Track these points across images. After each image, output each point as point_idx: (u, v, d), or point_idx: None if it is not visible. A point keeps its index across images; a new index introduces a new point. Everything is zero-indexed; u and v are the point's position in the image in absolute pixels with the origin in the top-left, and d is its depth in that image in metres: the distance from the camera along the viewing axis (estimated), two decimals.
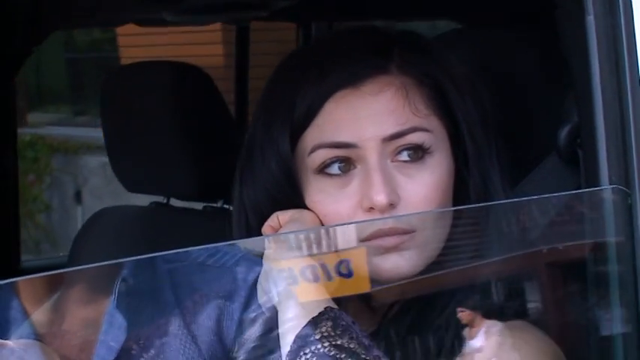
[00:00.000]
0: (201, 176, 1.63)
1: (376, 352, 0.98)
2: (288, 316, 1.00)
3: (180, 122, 1.62)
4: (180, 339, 1.09)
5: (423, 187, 1.13)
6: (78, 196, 5.61)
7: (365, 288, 1.07)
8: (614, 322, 1.12)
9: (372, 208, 1.11)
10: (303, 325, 0.97)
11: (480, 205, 1.17)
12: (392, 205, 1.11)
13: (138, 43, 4.72)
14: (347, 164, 1.13)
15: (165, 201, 1.74)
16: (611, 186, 1.09)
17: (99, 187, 5.28)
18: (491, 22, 1.43)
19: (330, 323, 0.98)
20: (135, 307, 1.10)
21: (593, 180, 1.14)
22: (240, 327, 1.10)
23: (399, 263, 1.11)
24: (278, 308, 1.03)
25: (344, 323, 0.98)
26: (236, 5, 1.70)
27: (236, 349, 1.10)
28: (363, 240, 1.10)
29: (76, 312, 1.08)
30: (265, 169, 1.18)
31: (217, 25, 3.94)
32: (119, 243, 1.71)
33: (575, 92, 1.21)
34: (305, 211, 1.12)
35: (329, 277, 1.02)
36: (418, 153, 1.14)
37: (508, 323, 1.10)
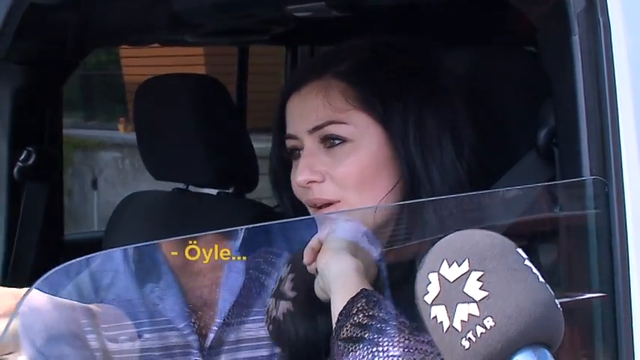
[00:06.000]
0: (215, 167, 1.36)
1: (402, 318, 0.85)
2: (337, 302, 0.86)
3: (199, 123, 1.35)
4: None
5: (343, 166, 0.99)
6: (94, 184, 5.30)
7: None
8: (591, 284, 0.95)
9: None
10: (344, 305, 0.85)
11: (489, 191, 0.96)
12: (314, 182, 0.99)
13: (136, 64, 4.34)
14: (298, 150, 1.02)
15: (185, 187, 1.46)
16: (592, 177, 0.94)
17: (111, 176, 5.03)
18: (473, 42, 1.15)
19: (364, 300, 0.85)
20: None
21: (570, 172, 0.97)
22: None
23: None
24: (331, 299, 0.88)
25: (375, 299, 0.85)
26: (241, 30, 1.45)
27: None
28: (305, 203, 1.01)
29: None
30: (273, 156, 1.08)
31: (200, 50, 3.62)
32: (149, 219, 1.44)
33: (555, 100, 0.99)
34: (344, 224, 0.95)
35: None
36: (338, 140, 0.99)
37: None
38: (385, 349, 0.82)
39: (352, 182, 0.98)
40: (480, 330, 0.55)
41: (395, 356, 0.81)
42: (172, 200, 1.44)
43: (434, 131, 1.00)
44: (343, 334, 0.83)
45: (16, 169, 1.43)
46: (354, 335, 0.83)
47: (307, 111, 1.00)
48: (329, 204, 0.99)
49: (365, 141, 0.99)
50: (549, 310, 0.57)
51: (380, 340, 0.82)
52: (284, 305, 0.93)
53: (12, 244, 1.36)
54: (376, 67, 1.01)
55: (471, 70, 1.09)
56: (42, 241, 1.41)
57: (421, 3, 1.18)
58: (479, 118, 1.06)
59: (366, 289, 0.86)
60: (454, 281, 0.57)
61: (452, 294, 0.57)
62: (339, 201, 0.98)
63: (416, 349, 0.82)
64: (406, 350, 0.82)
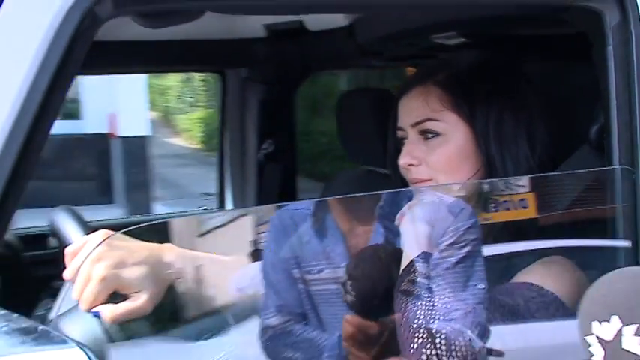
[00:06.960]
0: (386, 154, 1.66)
1: (449, 279, 0.97)
2: (404, 260, 0.99)
3: (376, 123, 1.71)
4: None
5: (436, 155, 1.18)
6: None
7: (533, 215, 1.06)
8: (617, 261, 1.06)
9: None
10: (407, 263, 0.98)
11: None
12: (412, 165, 1.19)
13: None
14: (404, 139, 1.23)
15: (372, 168, 1.86)
16: (620, 166, 1.05)
17: None
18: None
19: (421, 261, 0.98)
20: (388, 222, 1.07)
21: (611, 162, 1.10)
22: None
23: None
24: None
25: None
26: (413, 56, 1.76)
27: None
28: (407, 180, 1.20)
29: (360, 221, 1.07)
30: (390, 144, 1.32)
31: None
32: (348, 190, 1.76)
33: (602, 101, 1.14)
34: (428, 197, 1.09)
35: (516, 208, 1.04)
36: (433, 133, 1.19)
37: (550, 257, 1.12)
38: (428, 303, 0.95)
39: (441, 168, 1.17)
40: None
41: (435, 310, 0.94)
42: (363, 177, 1.86)
43: (511, 131, 1.17)
44: (402, 287, 0.96)
45: (260, 155, 2.01)
46: (408, 289, 0.95)
47: (411, 109, 1.21)
48: (423, 181, 1.19)
49: (454, 136, 1.17)
50: None
51: (426, 295, 0.94)
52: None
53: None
54: (467, 77, 1.20)
55: (544, 80, 1.28)
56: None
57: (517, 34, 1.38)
58: (549, 119, 1.21)
59: (425, 252, 0.97)
60: (612, 340, 0.54)
61: (615, 353, 0.54)
62: (430, 179, 1.18)
63: (452, 304, 0.94)
64: (445, 306, 0.94)
